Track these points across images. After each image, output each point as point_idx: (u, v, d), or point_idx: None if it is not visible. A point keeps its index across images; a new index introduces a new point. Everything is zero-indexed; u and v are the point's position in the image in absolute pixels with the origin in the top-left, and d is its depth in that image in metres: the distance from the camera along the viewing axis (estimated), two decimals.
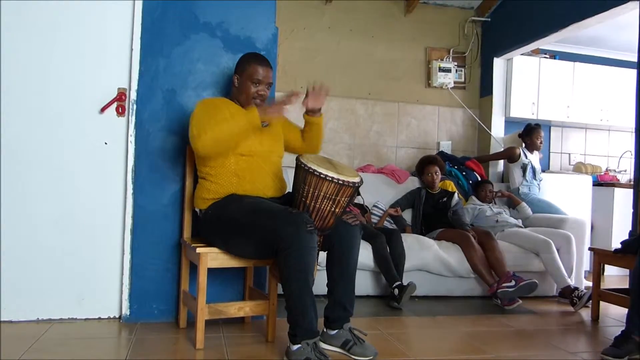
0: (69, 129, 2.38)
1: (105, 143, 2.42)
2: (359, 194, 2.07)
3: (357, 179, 1.99)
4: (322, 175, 1.93)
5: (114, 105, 2.42)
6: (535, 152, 4.44)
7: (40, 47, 2.34)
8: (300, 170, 2.00)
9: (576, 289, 3.22)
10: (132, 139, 2.41)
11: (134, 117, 2.41)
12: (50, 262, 2.34)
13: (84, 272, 2.39)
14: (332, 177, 1.93)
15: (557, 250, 3.44)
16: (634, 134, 3.27)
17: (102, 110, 2.40)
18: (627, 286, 3.01)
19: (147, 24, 2.43)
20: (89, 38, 2.40)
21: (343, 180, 1.94)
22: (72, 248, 2.37)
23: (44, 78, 2.35)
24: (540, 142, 4.38)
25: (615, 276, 4.53)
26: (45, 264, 2.34)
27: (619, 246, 2.79)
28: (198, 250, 2.07)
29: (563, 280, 3.33)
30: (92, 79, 2.40)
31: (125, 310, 2.40)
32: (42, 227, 2.34)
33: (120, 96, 2.41)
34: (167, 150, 2.45)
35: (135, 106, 2.41)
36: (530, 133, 4.40)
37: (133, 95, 2.41)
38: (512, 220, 3.86)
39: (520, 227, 3.84)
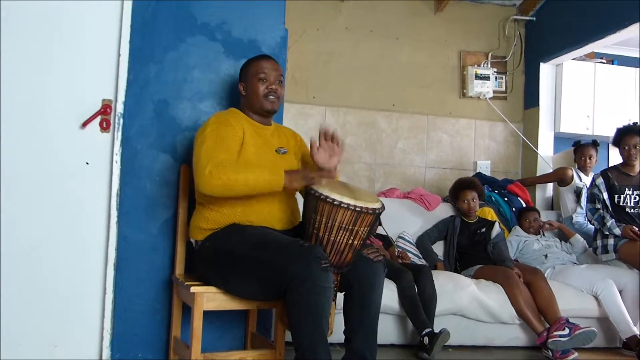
0: (45, 146, 2.40)
1: (87, 163, 2.46)
2: (380, 223, 2.06)
3: (377, 205, 2.00)
4: (335, 202, 1.93)
5: (98, 119, 2.45)
6: (592, 174, 4.41)
7: (11, 51, 2.37)
8: (310, 197, 2.01)
9: None
10: (117, 158, 2.44)
11: (119, 133, 2.44)
12: (20, 301, 2.35)
13: (58, 314, 2.39)
14: (348, 204, 1.93)
15: (620, 291, 3.40)
16: None
17: (84, 125, 2.44)
18: None
19: (137, 26, 2.48)
20: (70, 42, 2.44)
21: (361, 207, 1.94)
22: (45, 285, 2.38)
23: (15, 88, 2.37)
24: (585, 161, 4.36)
25: None
26: (14, 304, 2.34)
27: None
28: (192, 289, 2.08)
29: (628, 328, 3.28)
30: (73, 89, 2.43)
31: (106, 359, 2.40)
32: (11, 260, 2.34)
33: (105, 109, 2.45)
34: (158, 170, 2.49)
35: (121, 120, 2.44)
36: (576, 151, 4.41)
37: (119, 108, 2.44)
38: (565, 255, 3.83)
39: (575, 263, 3.79)
